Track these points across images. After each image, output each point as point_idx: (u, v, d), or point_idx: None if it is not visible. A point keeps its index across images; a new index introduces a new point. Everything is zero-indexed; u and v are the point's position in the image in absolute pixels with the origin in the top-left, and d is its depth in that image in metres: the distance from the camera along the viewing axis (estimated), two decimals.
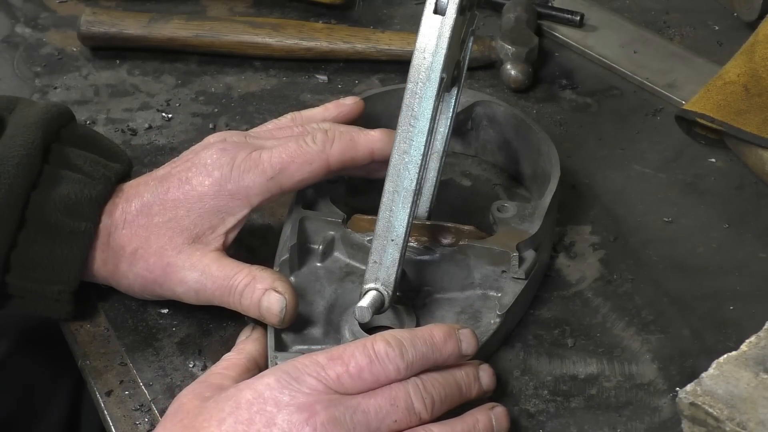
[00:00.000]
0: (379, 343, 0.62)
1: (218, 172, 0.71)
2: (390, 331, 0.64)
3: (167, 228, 0.71)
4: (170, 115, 0.96)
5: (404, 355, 0.62)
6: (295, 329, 0.71)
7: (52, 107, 0.75)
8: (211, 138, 0.75)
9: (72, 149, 0.74)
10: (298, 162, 0.72)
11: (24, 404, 0.90)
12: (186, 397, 0.64)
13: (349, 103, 0.80)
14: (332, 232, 0.76)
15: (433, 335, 0.64)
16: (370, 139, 0.74)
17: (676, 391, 0.65)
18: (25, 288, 0.71)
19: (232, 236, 0.73)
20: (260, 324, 0.72)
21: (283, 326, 0.70)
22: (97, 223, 0.71)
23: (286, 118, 0.79)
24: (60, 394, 0.91)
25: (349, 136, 0.74)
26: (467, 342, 0.65)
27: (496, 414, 0.65)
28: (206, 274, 0.70)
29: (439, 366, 0.64)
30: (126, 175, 0.76)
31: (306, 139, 0.73)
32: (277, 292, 0.69)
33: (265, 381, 0.60)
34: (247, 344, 0.70)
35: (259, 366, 0.69)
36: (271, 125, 0.78)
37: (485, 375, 0.67)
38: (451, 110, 0.77)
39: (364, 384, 0.61)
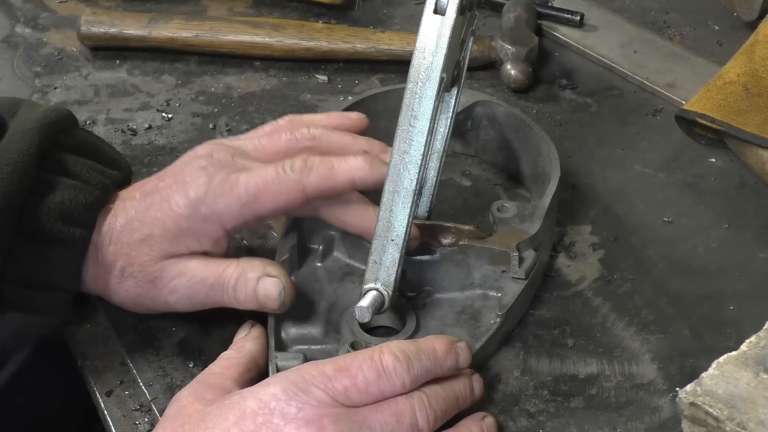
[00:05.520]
0: (386, 356, 0.61)
1: (194, 193, 0.69)
2: (396, 342, 0.63)
3: (146, 245, 0.69)
4: (170, 115, 0.96)
5: (411, 370, 0.62)
6: (295, 329, 0.71)
7: (52, 112, 0.73)
8: (200, 149, 0.72)
9: (69, 156, 0.72)
10: (273, 191, 0.69)
11: (40, 412, 0.89)
12: (186, 399, 0.63)
13: (353, 118, 0.79)
14: (332, 232, 0.76)
15: (436, 349, 0.64)
16: (351, 167, 0.71)
17: (676, 391, 0.65)
18: (22, 295, 0.70)
19: (217, 254, 0.71)
20: (260, 318, 0.72)
21: (283, 310, 0.69)
22: (92, 229, 0.70)
23: (285, 120, 0.77)
24: (72, 409, 0.91)
25: (328, 164, 0.70)
26: (464, 356, 0.65)
27: (487, 424, 0.65)
28: (194, 278, 0.69)
29: (438, 378, 0.64)
30: (124, 183, 0.75)
31: (285, 166, 0.70)
32: (270, 276, 0.69)
33: (271, 391, 0.60)
34: (246, 342, 0.70)
35: (258, 365, 0.68)
36: (268, 128, 0.77)
37: (478, 386, 0.67)
38: (451, 110, 0.77)
39: (370, 397, 0.61)
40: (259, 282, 0.69)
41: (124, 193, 0.72)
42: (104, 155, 0.75)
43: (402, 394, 0.62)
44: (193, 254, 0.70)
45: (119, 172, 0.75)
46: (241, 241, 0.82)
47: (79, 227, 0.69)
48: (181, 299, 0.70)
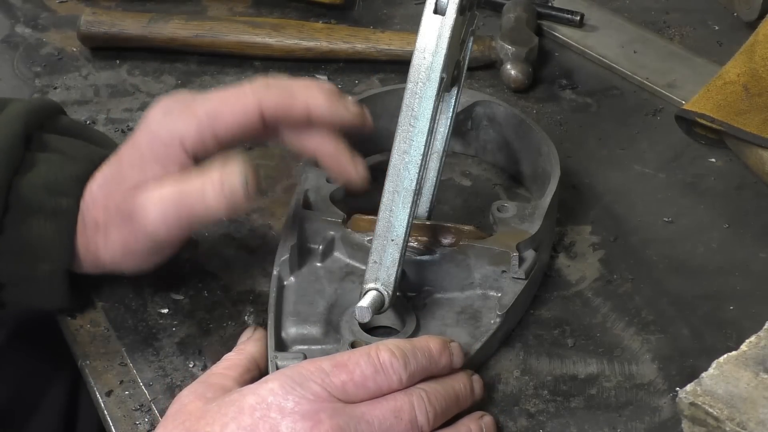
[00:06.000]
0: (383, 352, 0.62)
1: (153, 122, 0.70)
2: (392, 340, 0.64)
3: (115, 183, 0.70)
4: None
5: (407, 366, 0.62)
6: (295, 329, 0.71)
7: (37, 101, 0.75)
8: (162, 99, 0.73)
9: (54, 136, 0.74)
10: (230, 108, 0.70)
11: (21, 396, 0.90)
12: (187, 397, 0.64)
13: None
14: (332, 232, 0.76)
15: (431, 348, 0.65)
16: (309, 94, 0.72)
17: (676, 391, 0.65)
18: (16, 273, 0.70)
19: None
20: (261, 320, 0.72)
21: (250, 200, 0.67)
22: (79, 199, 0.71)
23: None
24: (57, 386, 0.91)
25: (288, 86, 0.72)
26: (457, 355, 0.66)
27: (485, 423, 0.66)
28: (164, 195, 0.68)
29: (434, 376, 0.65)
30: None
31: (243, 86, 0.71)
32: (232, 167, 0.67)
33: (269, 386, 0.60)
34: (248, 345, 0.70)
35: (259, 367, 0.69)
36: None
37: (478, 386, 0.67)
38: (451, 110, 0.77)
39: (367, 392, 0.61)
40: (222, 175, 0.67)
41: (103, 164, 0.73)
42: (90, 136, 0.77)
43: (399, 390, 0.62)
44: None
45: (105, 149, 0.75)
46: (242, 242, 0.82)
47: (65, 197, 0.70)
48: (156, 222, 0.68)
